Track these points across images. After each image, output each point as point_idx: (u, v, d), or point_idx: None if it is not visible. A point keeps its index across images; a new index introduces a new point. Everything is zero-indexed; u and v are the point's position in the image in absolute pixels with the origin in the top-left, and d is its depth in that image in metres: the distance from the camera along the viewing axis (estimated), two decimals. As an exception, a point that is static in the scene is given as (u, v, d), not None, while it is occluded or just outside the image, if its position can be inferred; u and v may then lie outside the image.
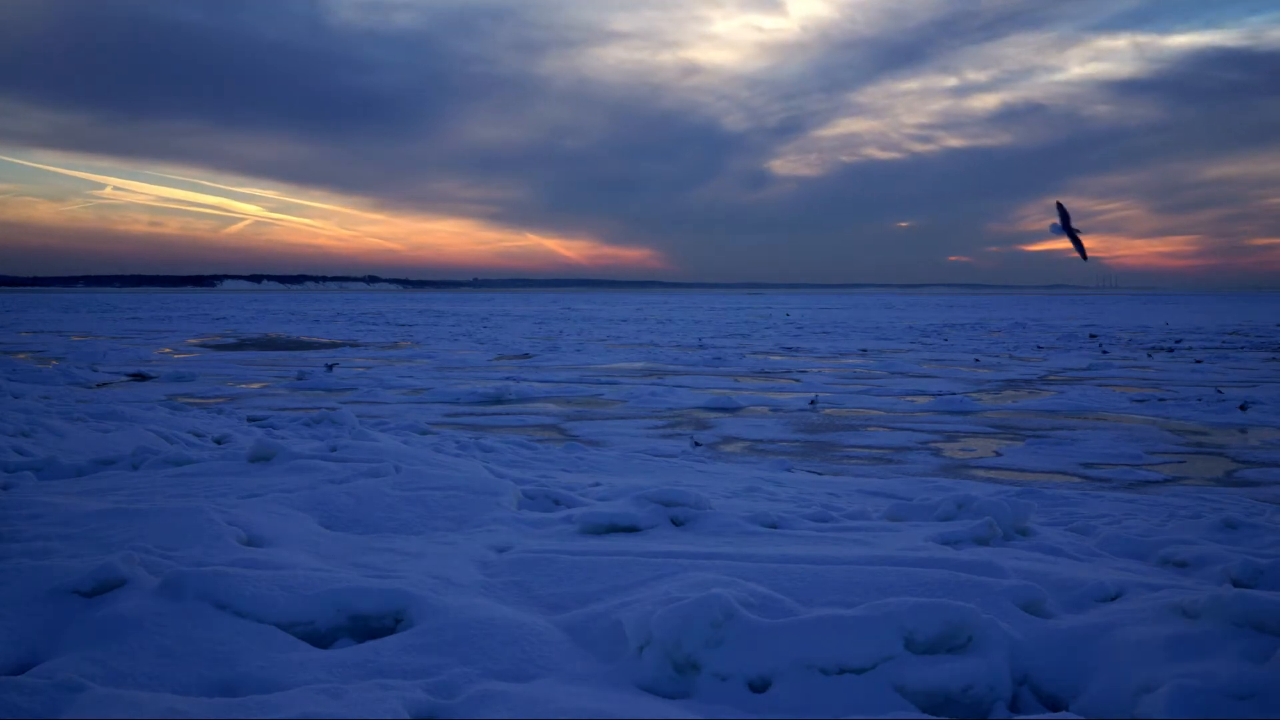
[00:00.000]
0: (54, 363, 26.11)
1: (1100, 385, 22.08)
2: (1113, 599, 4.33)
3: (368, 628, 3.91)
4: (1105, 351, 32.31)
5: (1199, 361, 29.08)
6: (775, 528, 6.09)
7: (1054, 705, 3.59)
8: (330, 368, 22.46)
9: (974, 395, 19.86)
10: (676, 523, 6.05)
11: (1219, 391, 20.41)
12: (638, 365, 28.15)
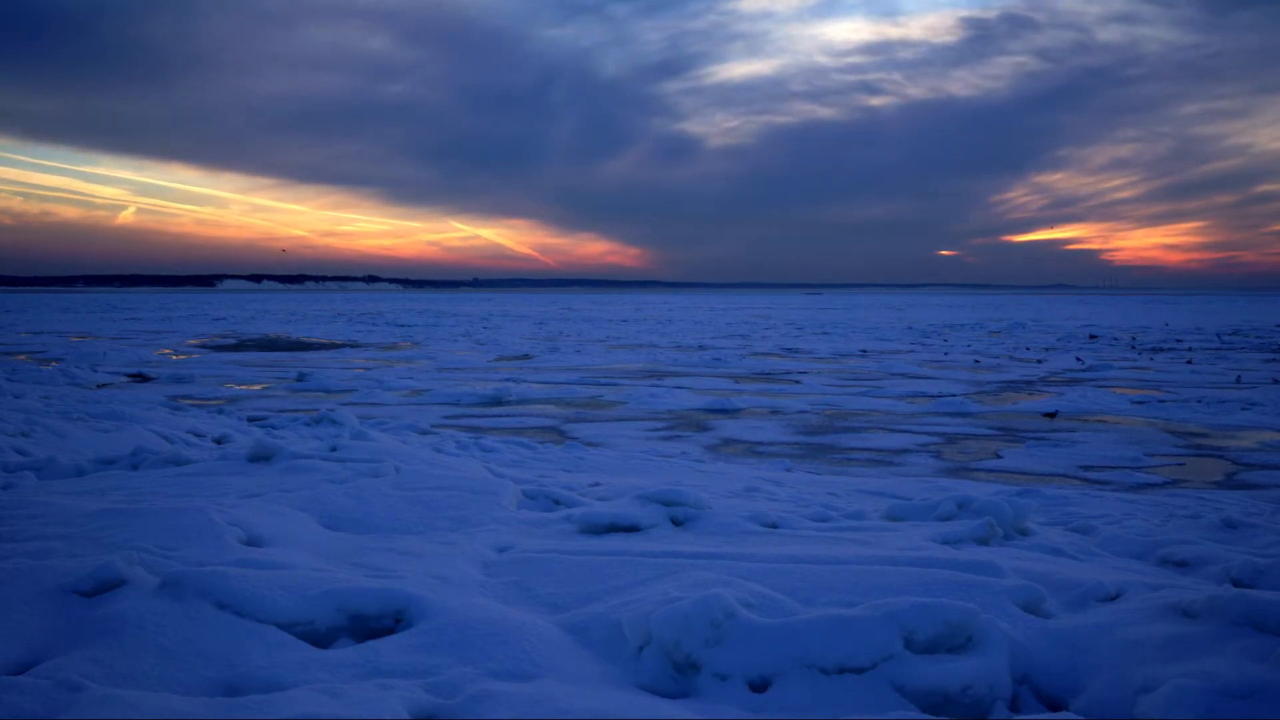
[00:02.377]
0: (54, 363, 26.11)
1: (1100, 386, 22.07)
2: (1113, 599, 4.34)
3: (368, 628, 3.91)
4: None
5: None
6: (775, 528, 6.10)
7: (1054, 705, 3.60)
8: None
9: (974, 397, 19.86)
10: (676, 522, 6.06)
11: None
12: (638, 366, 28.14)
